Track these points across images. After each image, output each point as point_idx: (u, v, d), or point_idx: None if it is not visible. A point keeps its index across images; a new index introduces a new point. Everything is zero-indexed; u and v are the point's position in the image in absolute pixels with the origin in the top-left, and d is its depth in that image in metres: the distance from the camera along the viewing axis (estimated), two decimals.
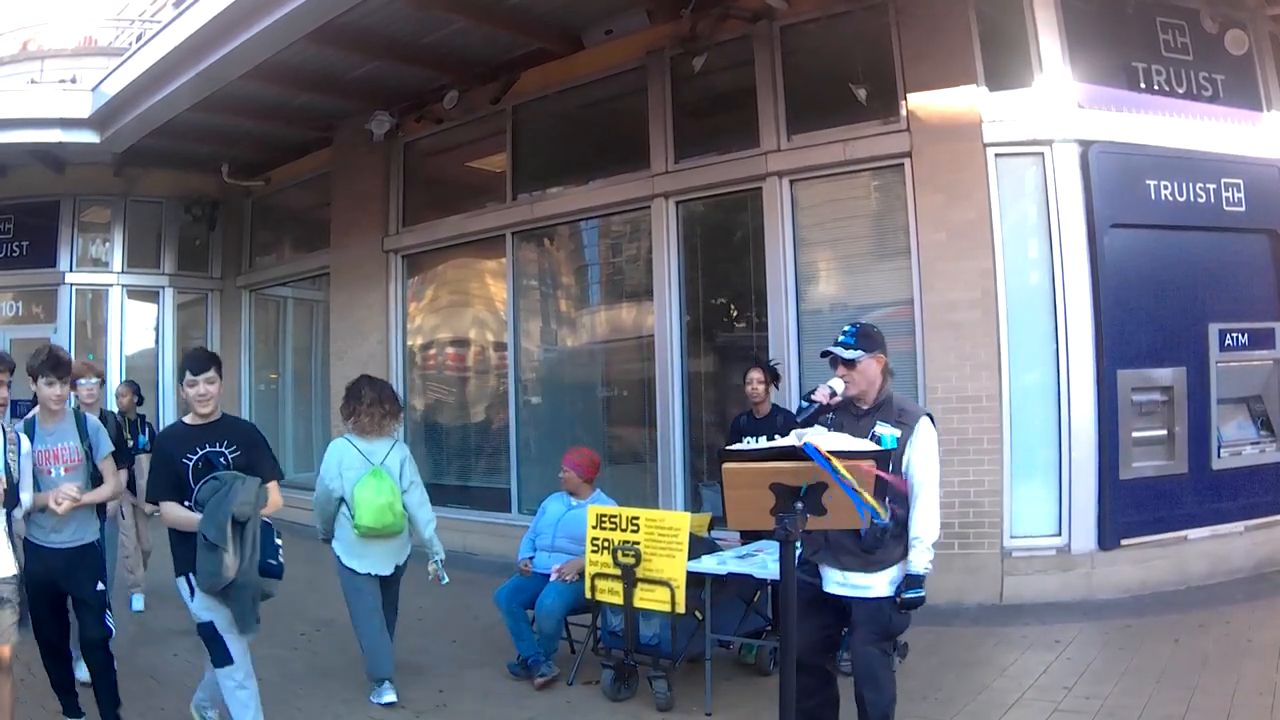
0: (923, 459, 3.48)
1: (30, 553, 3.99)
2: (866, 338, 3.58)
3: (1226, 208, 6.91)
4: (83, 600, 4.10)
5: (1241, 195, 6.94)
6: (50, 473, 4.04)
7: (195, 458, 3.76)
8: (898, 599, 3.40)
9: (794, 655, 2.79)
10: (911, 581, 3.41)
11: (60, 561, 4.03)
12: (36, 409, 4.18)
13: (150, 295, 12.74)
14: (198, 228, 12.95)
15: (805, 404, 3.42)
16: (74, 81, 11.67)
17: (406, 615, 6.50)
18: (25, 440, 3.84)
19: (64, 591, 4.10)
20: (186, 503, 3.72)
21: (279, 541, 3.86)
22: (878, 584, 3.44)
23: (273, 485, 3.88)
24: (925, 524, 3.44)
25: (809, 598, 3.52)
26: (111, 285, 12.42)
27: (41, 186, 12.04)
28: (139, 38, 11.98)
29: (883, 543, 3.40)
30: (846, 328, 3.65)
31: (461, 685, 5.13)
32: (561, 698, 4.88)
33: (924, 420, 3.53)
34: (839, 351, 3.55)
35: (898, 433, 3.42)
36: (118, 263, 12.49)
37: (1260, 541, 6.83)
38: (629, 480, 8.29)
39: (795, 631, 2.62)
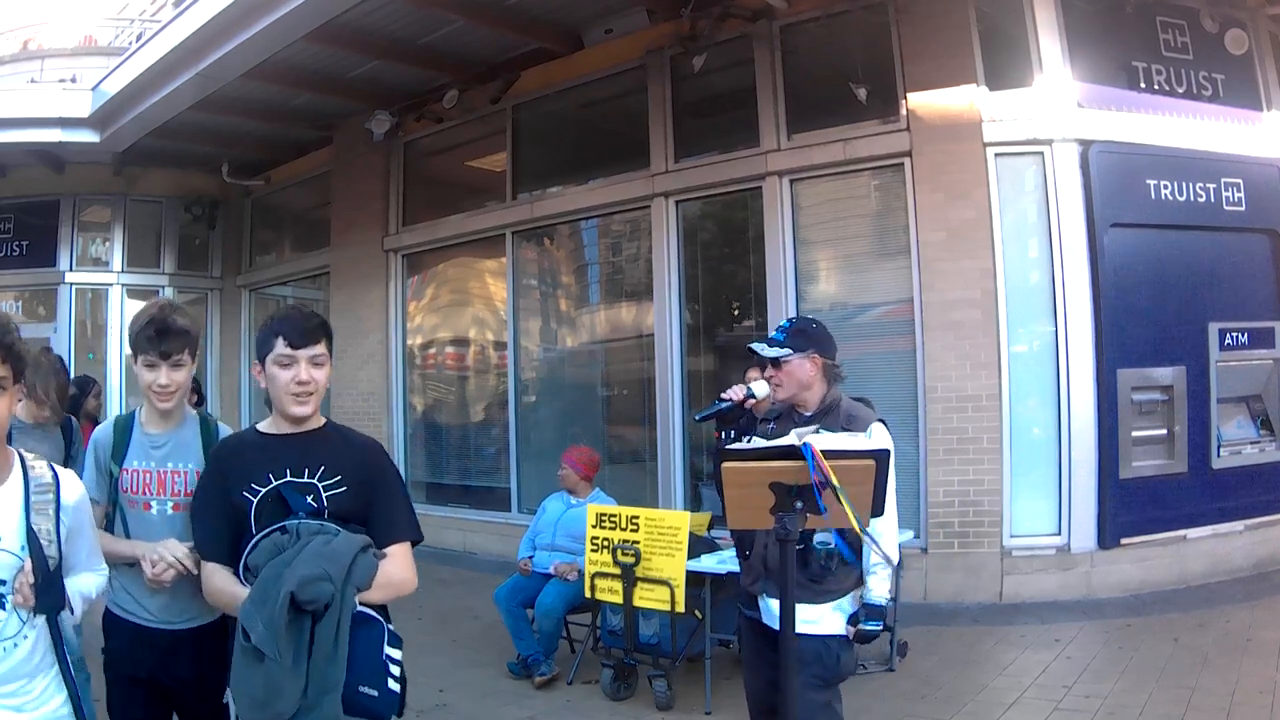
0: None
1: (115, 631, 2.56)
2: (800, 335, 3.13)
3: (1226, 207, 6.91)
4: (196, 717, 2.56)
5: (1241, 195, 6.94)
6: (150, 508, 2.53)
7: (264, 491, 2.30)
8: (851, 631, 2.97)
9: (794, 655, 2.75)
10: (871, 612, 2.97)
11: (166, 650, 2.51)
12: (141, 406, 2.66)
13: (150, 295, 12.68)
14: (198, 227, 12.96)
15: (717, 401, 3.13)
16: (74, 81, 11.65)
17: (406, 615, 6.51)
18: (73, 485, 2.12)
19: (169, 696, 2.56)
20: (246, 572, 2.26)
21: (392, 654, 2.27)
22: (825, 618, 2.96)
23: (398, 551, 2.35)
24: (886, 546, 2.94)
25: (753, 636, 3.15)
26: (111, 285, 12.42)
27: (41, 186, 12.04)
28: (139, 37, 11.98)
29: (831, 569, 2.96)
30: (781, 322, 3.24)
31: (461, 685, 5.13)
32: (561, 697, 4.89)
33: (876, 426, 3.04)
34: (760, 349, 3.11)
35: (843, 438, 2.94)
36: (118, 262, 12.50)
37: (1260, 541, 6.83)
38: (629, 479, 8.29)
39: (793, 631, 2.60)
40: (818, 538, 2.92)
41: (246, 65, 8.29)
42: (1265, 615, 5.76)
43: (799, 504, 2.44)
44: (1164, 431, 6.76)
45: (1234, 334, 6.94)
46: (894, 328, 6.94)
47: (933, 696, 4.65)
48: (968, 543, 6.42)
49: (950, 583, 6.43)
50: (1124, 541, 6.49)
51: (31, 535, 1.98)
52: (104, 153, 11.19)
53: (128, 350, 2.61)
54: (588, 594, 4.92)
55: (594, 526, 4.96)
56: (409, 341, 10.34)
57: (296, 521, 2.23)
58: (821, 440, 2.57)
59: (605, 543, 4.88)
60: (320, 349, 2.39)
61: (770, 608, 2.99)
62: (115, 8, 19.15)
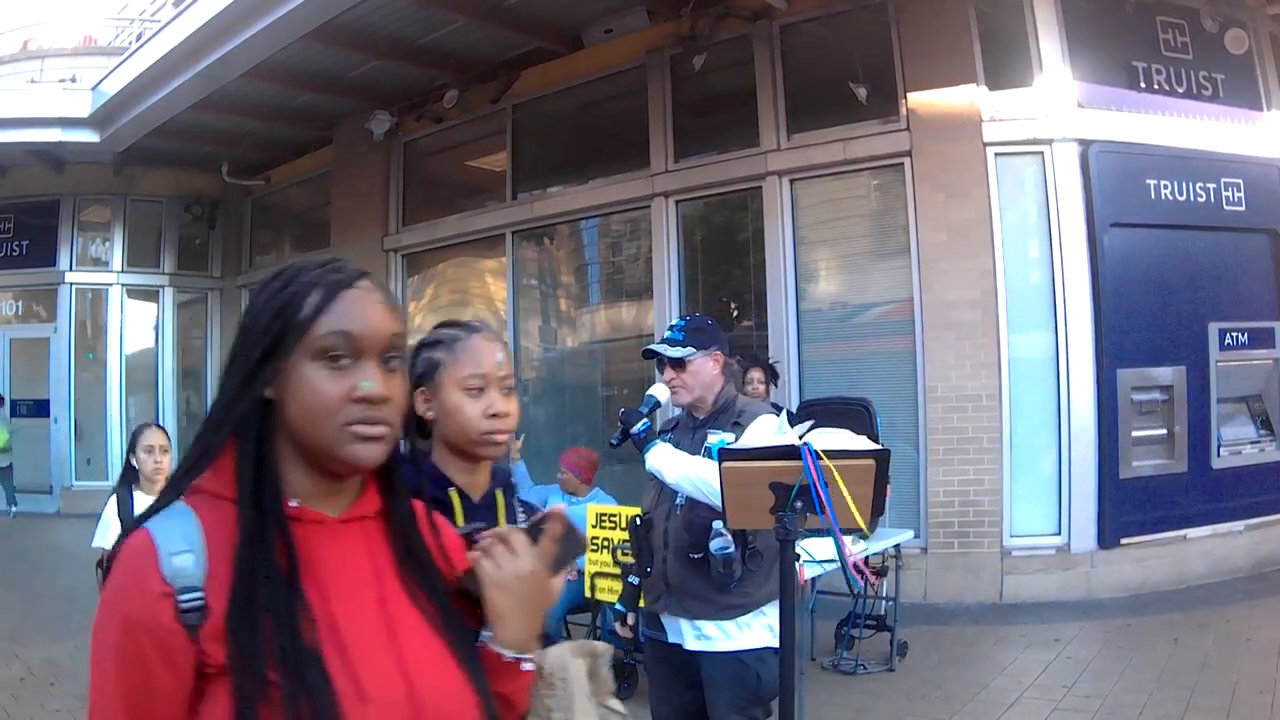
0: None
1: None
2: (698, 332, 2.92)
3: (1226, 207, 6.91)
4: None
5: (1241, 195, 6.94)
6: None
7: None
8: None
9: (793, 654, 2.74)
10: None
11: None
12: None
13: (150, 295, 12.74)
14: (198, 227, 12.97)
15: (646, 422, 2.85)
16: (74, 81, 11.65)
17: None
18: None
19: None
20: None
21: None
22: (737, 633, 2.75)
23: None
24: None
25: (658, 660, 2.94)
26: (111, 285, 12.42)
27: (41, 186, 12.05)
28: (139, 37, 11.97)
29: (734, 576, 2.68)
30: (674, 321, 3.01)
31: None
32: None
33: (763, 418, 2.83)
34: (663, 350, 2.90)
35: (731, 436, 2.78)
36: (118, 262, 12.50)
37: (1260, 541, 6.82)
38: (629, 479, 8.28)
39: (793, 631, 2.59)
40: (715, 544, 2.69)
41: (246, 65, 8.29)
42: (1265, 615, 5.75)
43: (799, 504, 2.43)
44: (1164, 431, 6.75)
45: (1234, 334, 6.94)
46: (894, 328, 6.94)
47: (932, 696, 4.65)
48: (968, 543, 6.42)
49: (950, 583, 6.43)
50: (1124, 541, 6.48)
51: None
52: (104, 153, 11.19)
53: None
54: (588, 594, 4.92)
55: (594, 526, 4.96)
56: (409, 341, 10.32)
57: None
58: (824, 439, 2.56)
59: (605, 542, 4.88)
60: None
61: (678, 627, 2.83)
62: (115, 8, 19.11)
